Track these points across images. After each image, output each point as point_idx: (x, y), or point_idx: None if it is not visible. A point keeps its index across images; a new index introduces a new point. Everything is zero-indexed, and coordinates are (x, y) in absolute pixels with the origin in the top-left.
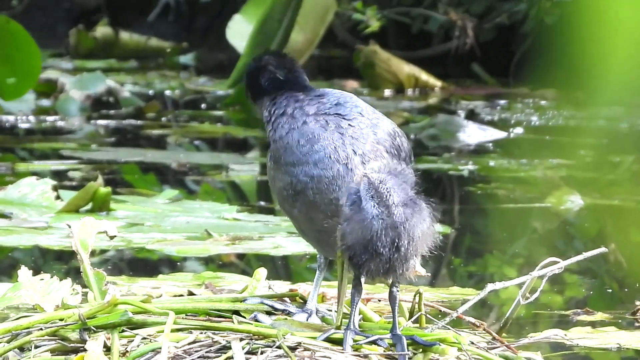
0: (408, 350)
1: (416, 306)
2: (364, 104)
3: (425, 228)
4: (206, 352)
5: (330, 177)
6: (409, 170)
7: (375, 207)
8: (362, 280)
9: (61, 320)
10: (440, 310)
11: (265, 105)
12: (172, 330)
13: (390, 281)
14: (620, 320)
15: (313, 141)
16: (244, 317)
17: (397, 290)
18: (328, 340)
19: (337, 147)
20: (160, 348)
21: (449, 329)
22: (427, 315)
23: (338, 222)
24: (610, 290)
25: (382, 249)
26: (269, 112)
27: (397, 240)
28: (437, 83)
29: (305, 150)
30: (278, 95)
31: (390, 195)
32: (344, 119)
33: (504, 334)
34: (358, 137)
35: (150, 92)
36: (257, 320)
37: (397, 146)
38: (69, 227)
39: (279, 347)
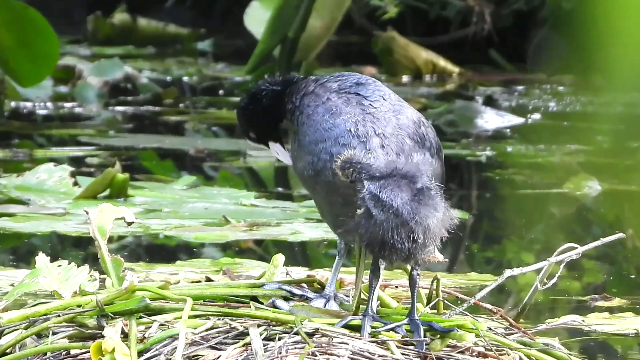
0: (425, 337)
1: (434, 292)
2: (387, 89)
3: (439, 215)
4: (224, 338)
5: None
6: (427, 160)
7: (381, 213)
8: (381, 265)
9: (79, 306)
10: (458, 297)
11: (286, 107)
12: (190, 317)
13: (409, 266)
14: (638, 306)
15: (336, 115)
16: (262, 303)
17: (418, 274)
18: (346, 326)
19: (358, 122)
20: (178, 334)
21: (466, 315)
22: (445, 301)
23: (353, 212)
24: (628, 276)
25: (399, 244)
26: (292, 101)
27: (411, 234)
28: (454, 69)
29: (328, 125)
30: (292, 89)
31: (393, 199)
32: (365, 99)
33: (521, 320)
34: (380, 119)
35: (168, 78)
36: (275, 306)
37: (422, 135)
38: (87, 213)
39: (296, 333)
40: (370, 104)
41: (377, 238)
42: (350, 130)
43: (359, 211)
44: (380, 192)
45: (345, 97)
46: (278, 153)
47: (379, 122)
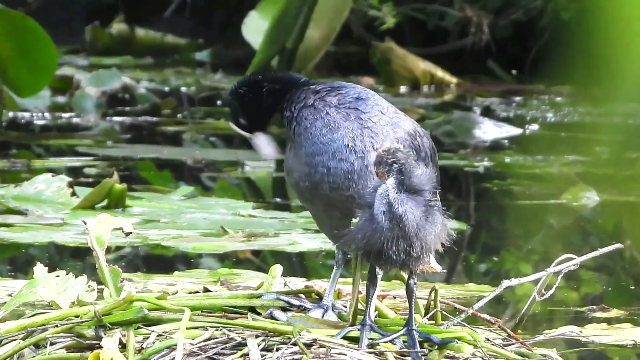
0: (423, 347)
1: (432, 303)
2: (385, 102)
3: (437, 231)
4: (222, 349)
5: (346, 171)
6: (428, 171)
7: (387, 221)
8: (378, 275)
9: (77, 317)
10: (456, 307)
11: (283, 113)
12: (188, 327)
13: (405, 274)
14: (636, 317)
15: (334, 130)
16: (260, 314)
17: (415, 283)
18: (344, 336)
19: (355, 137)
20: (176, 345)
21: (464, 325)
22: (443, 312)
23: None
24: (626, 287)
25: (395, 256)
26: (290, 109)
27: (409, 248)
28: (452, 80)
29: (325, 139)
30: (292, 94)
31: (404, 215)
32: (364, 114)
33: (519, 331)
34: (377, 133)
35: (166, 88)
36: (272, 317)
37: (417, 146)
38: (85, 223)
39: (294, 344)
40: (369, 119)
41: (374, 246)
42: (348, 145)
43: (354, 220)
44: (396, 204)
45: (344, 112)
46: (260, 146)
47: (377, 136)
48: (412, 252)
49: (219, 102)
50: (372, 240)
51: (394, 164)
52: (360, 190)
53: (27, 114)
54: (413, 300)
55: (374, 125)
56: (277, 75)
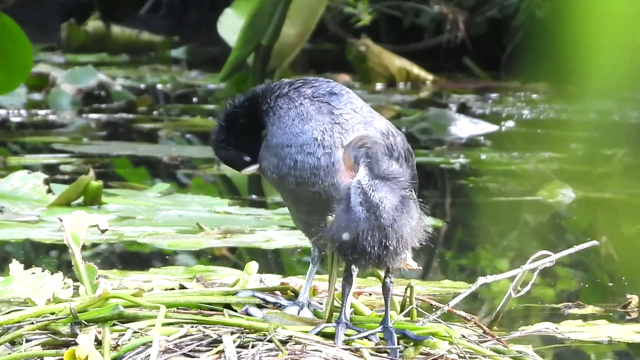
0: (399, 344)
1: (407, 299)
2: (360, 101)
3: (414, 224)
4: (197, 345)
5: (312, 166)
6: (402, 170)
7: (364, 212)
8: (354, 272)
9: (52, 314)
10: (432, 304)
11: (262, 109)
12: (164, 324)
13: (382, 272)
14: (611, 314)
15: (305, 121)
16: (236, 311)
17: (391, 281)
18: (320, 333)
19: (325, 131)
20: (152, 342)
21: (440, 322)
22: (419, 309)
23: (320, 219)
24: (601, 284)
25: (369, 248)
26: (267, 102)
27: (384, 240)
28: (428, 77)
29: (297, 130)
30: (264, 93)
31: (381, 203)
32: (336, 109)
33: (495, 328)
34: (348, 130)
35: (142, 85)
36: (248, 314)
37: (389, 145)
38: (61, 220)
39: (270, 341)
40: (341, 115)
41: (349, 237)
42: (317, 139)
43: (330, 217)
44: (371, 192)
45: (317, 105)
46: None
47: (346, 133)
48: (387, 244)
49: (194, 100)
50: (347, 230)
51: (362, 148)
52: (326, 187)
53: (3, 111)
54: (389, 299)
55: (345, 122)
56: (240, 99)
